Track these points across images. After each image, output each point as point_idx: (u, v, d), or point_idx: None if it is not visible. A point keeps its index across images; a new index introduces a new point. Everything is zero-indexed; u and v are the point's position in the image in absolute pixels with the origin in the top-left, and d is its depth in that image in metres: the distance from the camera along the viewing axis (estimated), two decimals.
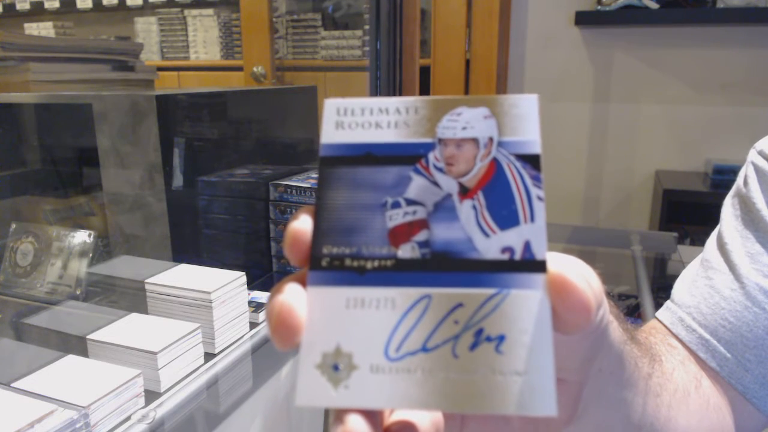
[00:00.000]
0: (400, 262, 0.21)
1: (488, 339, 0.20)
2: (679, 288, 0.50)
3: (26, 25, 2.76)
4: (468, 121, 0.23)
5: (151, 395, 0.63)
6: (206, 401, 0.68)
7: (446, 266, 0.21)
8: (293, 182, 1.04)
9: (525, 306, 0.20)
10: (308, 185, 1.02)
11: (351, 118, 0.23)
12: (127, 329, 0.68)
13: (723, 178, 1.95)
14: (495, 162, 0.22)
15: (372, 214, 0.22)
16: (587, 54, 2.16)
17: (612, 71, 2.14)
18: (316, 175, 1.09)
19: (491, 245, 0.21)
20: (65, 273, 0.84)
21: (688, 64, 2.05)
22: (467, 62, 2.13)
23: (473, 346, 0.20)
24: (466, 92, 2.14)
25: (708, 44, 2.01)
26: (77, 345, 0.67)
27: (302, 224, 0.22)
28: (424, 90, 1.97)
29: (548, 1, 2.16)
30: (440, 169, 0.22)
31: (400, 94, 1.65)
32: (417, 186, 0.22)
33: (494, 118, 0.23)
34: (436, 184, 0.22)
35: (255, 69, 2.37)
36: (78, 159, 1.03)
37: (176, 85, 2.61)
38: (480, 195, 0.22)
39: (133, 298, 0.76)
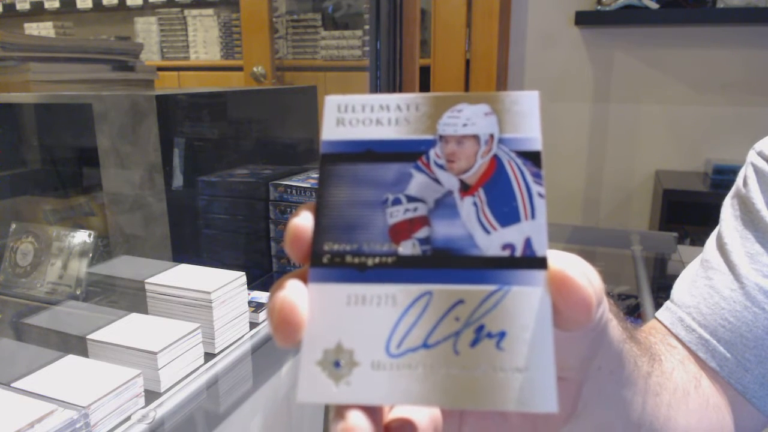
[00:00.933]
0: (401, 259, 0.21)
1: (489, 335, 0.20)
2: (678, 288, 0.50)
3: (26, 25, 2.76)
4: (469, 117, 0.23)
5: (151, 395, 0.63)
6: (206, 401, 0.68)
7: (447, 263, 0.21)
8: (293, 182, 1.04)
9: (526, 302, 0.20)
10: (308, 185, 1.02)
11: (352, 115, 0.23)
12: (127, 329, 0.68)
13: (723, 178, 1.95)
14: (496, 159, 0.22)
15: (373, 211, 0.22)
16: (587, 54, 2.16)
17: (612, 71, 2.14)
18: (316, 175, 1.09)
19: (492, 242, 0.21)
20: (65, 273, 0.84)
21: (688, 64, 2.05)
22: (467, 62, 2.13)
23: (474, 343, 0.20)
24: (467, 92, 2.14)
25: (708, 44, 2.01)
26: (77, 345, 0.67)
27: (303, 221, 0.22)
28: (424, 90, 1.97)
29: (548, 1, 2.16)
30: (441, 166, 0.22)
31: None
32: (418, 183, 0.22)
33: (495, 114, 0.23)
34: (436, 180, 0.22)
35: (255, 69, 2.37)
36: (78, 159, 1.03)
37: (176, 85, 2.61)
38: (481, 192, 0.22)
39: (133, 298, 0.76)
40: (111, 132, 0.84)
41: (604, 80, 2.16)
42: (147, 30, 2.75)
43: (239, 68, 2.45)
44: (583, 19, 2.05)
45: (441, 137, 0.22)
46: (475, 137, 0.22)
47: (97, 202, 1.00)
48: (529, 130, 0.22)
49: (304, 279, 0.21)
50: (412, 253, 0.21)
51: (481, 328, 0.20)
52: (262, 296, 0.89)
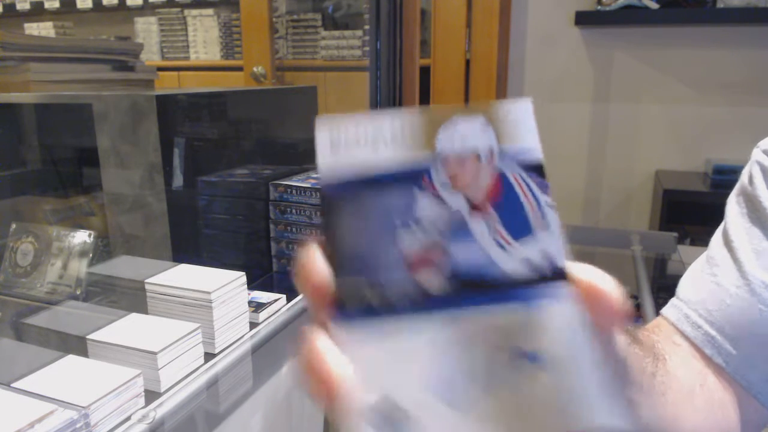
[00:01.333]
0: (423, 291, 0.20)
1: (529, 357, 0.20)
2: (684, 285, 0.50)
3: (26, 25, 2.76)
4: (465, 132, 0.22)
5: (151, 395, 0.63)
6: (206, 401, 0.68)
7: (469, 287, 0.20)
8: (293, 182, 1.04)
9: (558, 317, 0.20)
10: (308, 185, 1.02)
11: (346, 137, 0.22)
12: (127, 329, 0.68)
13: (723, 178, 1.95)
14: (500, 173, 0.22)
15: (384, 242, 0.21)
16: (587, 54, 2.16)
17: (612, 71, 2.14)
18: (316, 175, 1.10)
19: (511, 259, 0.21)
20: (65, 273, 0.84)
21: (688, 64, 2.05)
22: (467, 62, 2.13)
23: (516, 367, 0.19)
24: (466, 92, 2.14)
25: (708, 44, 2.01)
26: (77, 345, 0.67)
27: (314, 263, 0.21)
28: (424, 90, 1.97)
29: (548, 1, 2.16)
30: (445, 185, 0.22)
31: (401, 94, 1.64)
32: (424, 205, 0.21)
33: (491, 126, 0.22)
34: (442, 201, 0.22)
35: (255, 69, 2.37)
36: (78, 159, 1.03)
37: (176, 85, 2.61)
38: (490, 209, 0.21)
39: (133, 298, 0.76)
40: (111, 132, 0.85)
41: (604, 80, 2.16)
42: (147, 30, 2.75)
43: (239, 68, 2.45)
44: (583, 19, 2.05)
45: (440, 155, 0.22)
46: (475, 152, 0.22)
47: (97, 202, 1.00)
48: (528, 140, 0.22)
49: (328, 326, 0.20)
50: (432, 282, 0.21)
51: (520, 350, 0.20)
52: (262, 296, 0.89)
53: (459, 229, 0.21)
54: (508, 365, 0.19)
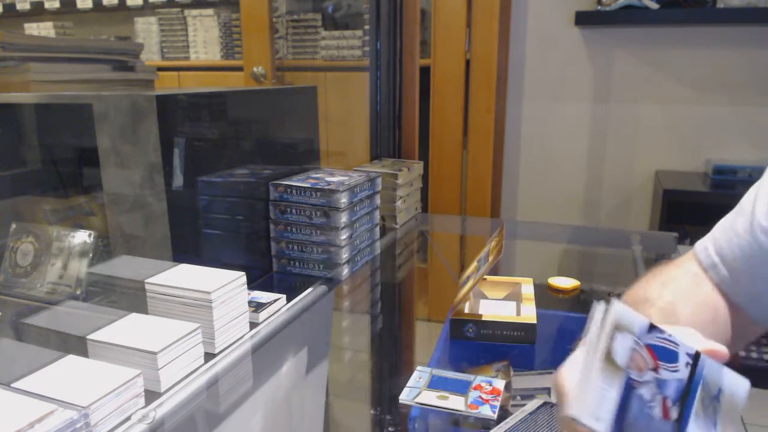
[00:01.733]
0: (678, 425, 0.39)
1: (715, 396, 0.40)
2: (718, 224, 0.61)
3: (26, 25, 2.76)
4: (623, 346, 0.39)
5: (151, 395, 0.63)
6: (206, 401, 0.68)
7: (683, 402, 0.39)
8: (293, 182, 1.04)
9: (712, 370, 0.41)
10: (308, 185, 1.02)
11: (594, 407, 0.37)
12: (127, 329, 0.68)
13: (723, 178, 1.95)
14: (649, 346, 0.40)
15: (657, 426, 0.39)
16: (587, 54, 2.16)
17: (612, 71, 2.14)
18: (315, 175, 1.10)
19: (681, 369, 0.40)
20: (65, 273, 0.84)
21: (688, 64, 2.05)
22: (467, 62, 2.13)
23: (715, 403, 0.40)
24: (466, 93, 2.14)
25: (708, 44, 2.01)
26: (77, 345, 0.67)
27: None
28: (425, 90, 1.97)
29: (548, 1, 2.16)
30: (639, 377, 0.39)
31: (401, 94, 1.65)
32: (644, 393, 0.39)
33: (625, 332, 0.39)
34: (646, 383, 0.39)
35: (255, 69, 2.38)
36: (78, 159, 1.03)
37: (176, 85, 2.61)
38: (660, 362, 0.39)
39: (133, 298, 0.76)
40: (111, 132, 0.85)
41: (604, 80, 2.16)
42: (147, 30, 2.76)
43: (239, 68, 2.45)
44: (583, 19, 2.05)
45: (626, 365, 0.38)
46: (636, 349, 0.39)
47: (97, 202, 1.00)
48: (639, 319, 0.40)
49: None
50: (676, 415, 0.39)
51: (711, 396, 0.40)
52: (262, 296, 0.89)
53: (662, 385, 0.39)
54: (712, 406, 0.40)
